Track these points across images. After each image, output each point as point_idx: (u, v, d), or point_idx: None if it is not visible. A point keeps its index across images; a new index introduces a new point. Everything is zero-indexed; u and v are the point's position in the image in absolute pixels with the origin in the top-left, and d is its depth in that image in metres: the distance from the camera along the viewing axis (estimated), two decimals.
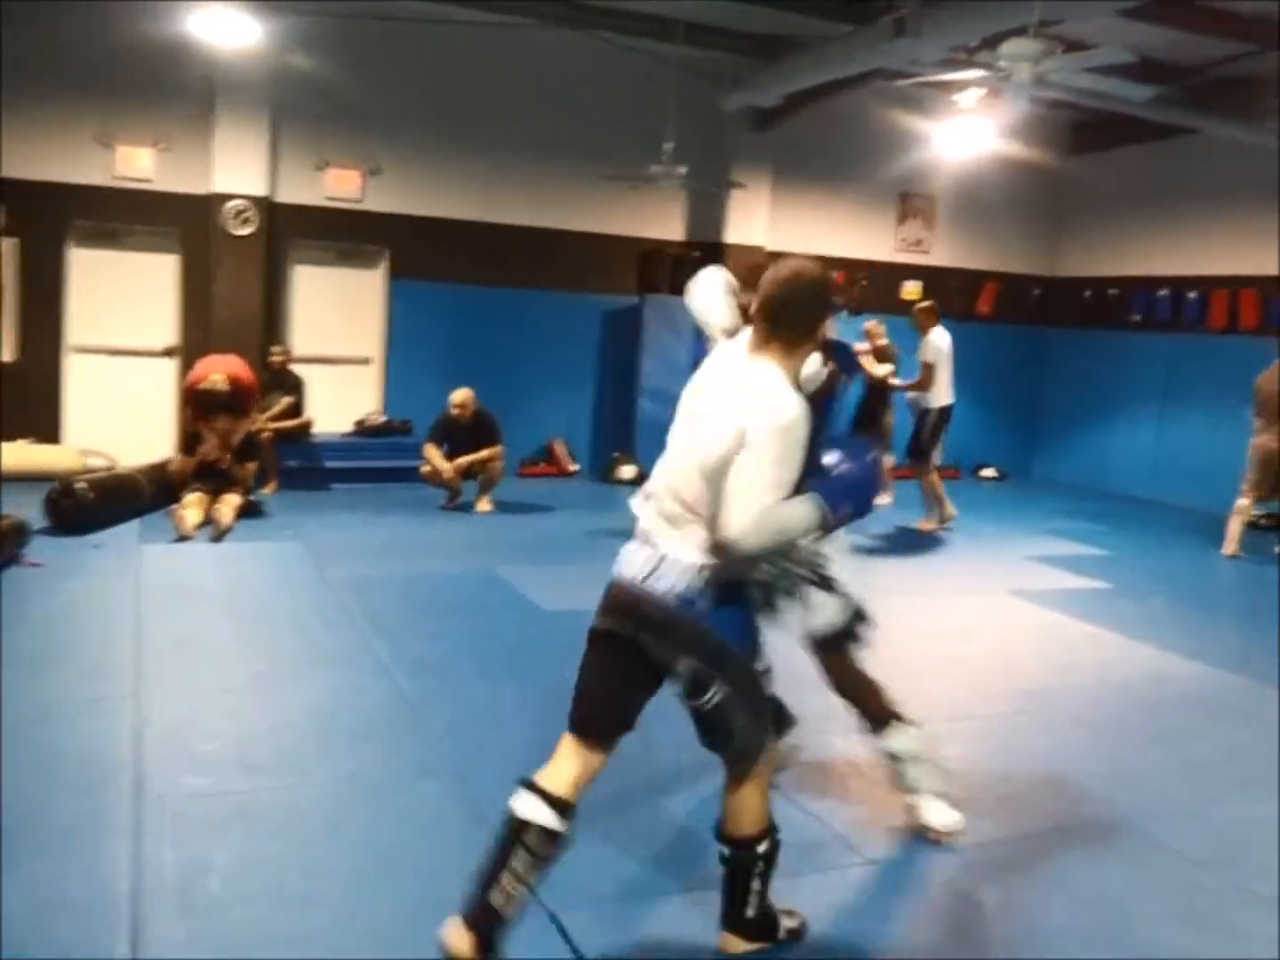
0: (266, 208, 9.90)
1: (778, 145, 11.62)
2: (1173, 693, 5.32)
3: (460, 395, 9.06)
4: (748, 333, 2.77)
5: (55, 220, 9.39)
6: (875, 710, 3.58)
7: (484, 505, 9.06)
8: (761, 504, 2.51)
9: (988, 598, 7.15)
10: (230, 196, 9.73)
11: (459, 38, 9.94)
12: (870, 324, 10.44)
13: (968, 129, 10.03)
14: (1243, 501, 8.72)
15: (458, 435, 9.06)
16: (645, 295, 11.39)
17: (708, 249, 11.68)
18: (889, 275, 12.53)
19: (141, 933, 2.79)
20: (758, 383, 2.61)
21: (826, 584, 3.38)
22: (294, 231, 10.17)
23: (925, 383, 8.90)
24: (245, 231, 9.78)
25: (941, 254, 12.86)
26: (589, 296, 11.33)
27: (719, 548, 2.60)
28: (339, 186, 10.25)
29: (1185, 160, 11.46)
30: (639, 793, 3.77)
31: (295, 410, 9.49)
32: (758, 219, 11.69)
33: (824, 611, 3.44)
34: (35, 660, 4.75)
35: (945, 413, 9.01)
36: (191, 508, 7.59)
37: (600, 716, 2.76)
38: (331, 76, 9.72)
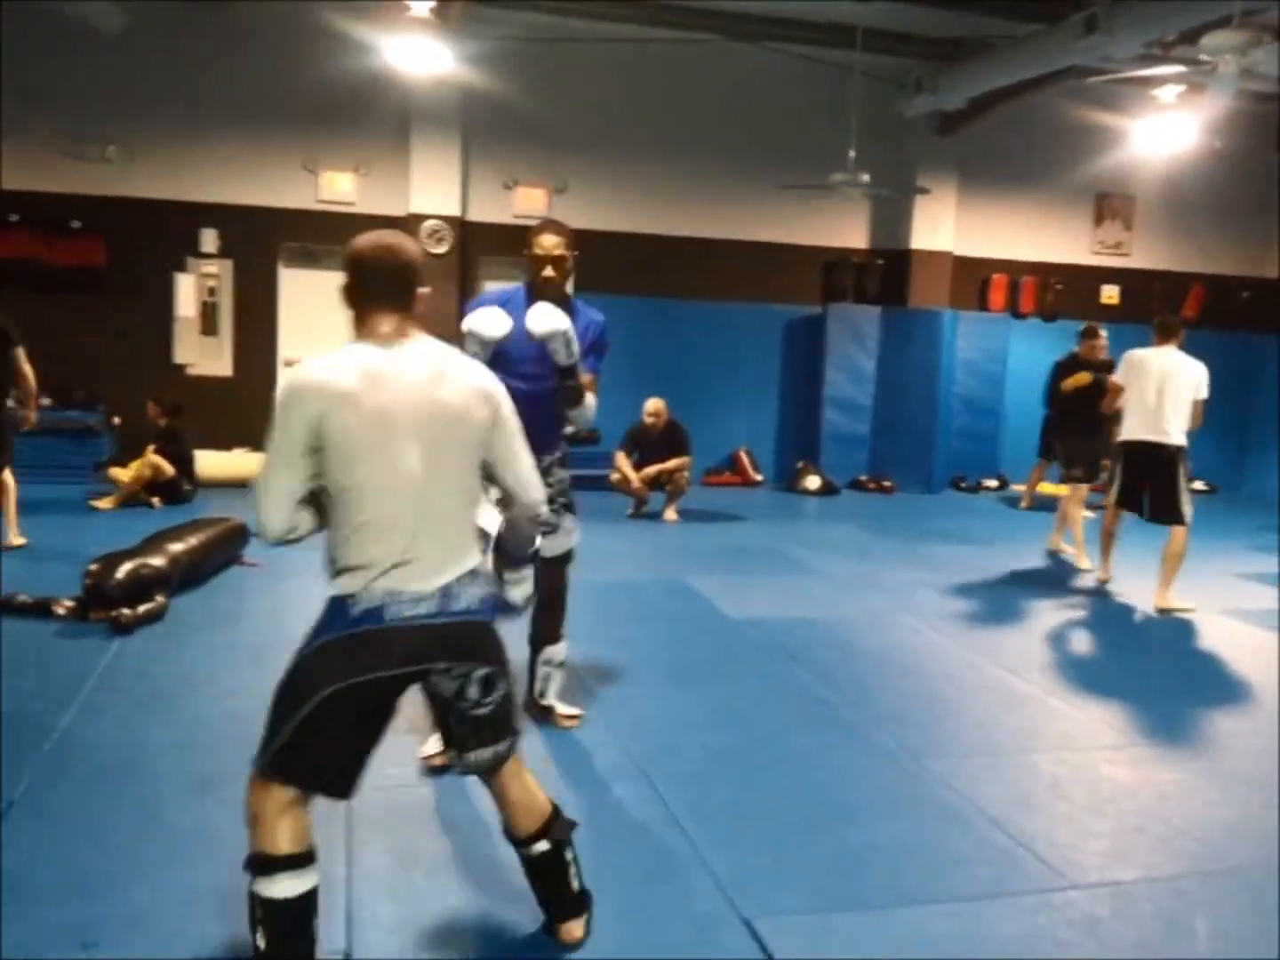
0: (459, 227, 10.28)
1: (963, 149, 11.39)
2: None
3: (653, 404, 9.22)
4: None
5: (264, 242, 10.01)
6: (557, 625, 4.30)
7: (670, 514, 9.14)
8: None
9: (1197, 617, 6.80)
10: (426, 217, 10.15)
11: (639, 55, 10.13)
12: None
13: (1168, 126, 9.58)
14: None
15: (648, 444, 9.20)
16: (829, 305, 11.31)
17: (892, 256, 11.53)
18: (1086, 279, 12.09)
19: (354, 920, 2.92)
20: None
21: (571, 509, 4.34)
22: (484, 249, 10.54)
23: (1108, 404, 7.05)
24: (441, 250, 10.18)
25: (1142, 256, 12.33)
26: (772, 306, 11.32)
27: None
28: (526, 204, 10.56)
29: None
30: (829, 818, 3.75)
31: None
32: (944, 224, 11.48)
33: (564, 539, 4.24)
34: (254, 655, 5.05)
35: (1120, 449, 6.87)
36: None
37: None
38: (518, 97, 10.05)
